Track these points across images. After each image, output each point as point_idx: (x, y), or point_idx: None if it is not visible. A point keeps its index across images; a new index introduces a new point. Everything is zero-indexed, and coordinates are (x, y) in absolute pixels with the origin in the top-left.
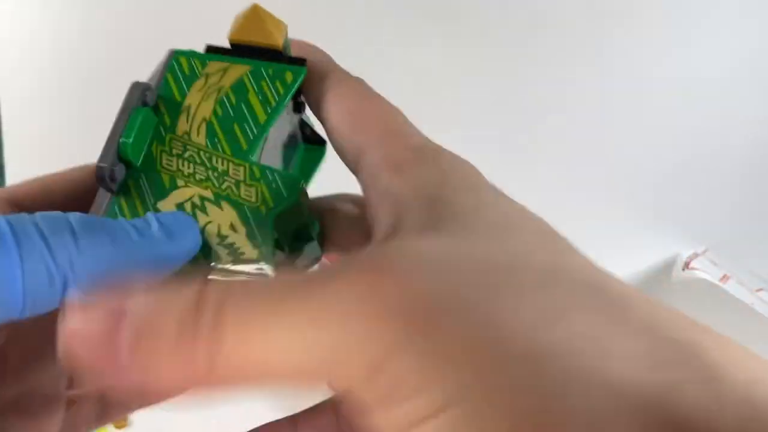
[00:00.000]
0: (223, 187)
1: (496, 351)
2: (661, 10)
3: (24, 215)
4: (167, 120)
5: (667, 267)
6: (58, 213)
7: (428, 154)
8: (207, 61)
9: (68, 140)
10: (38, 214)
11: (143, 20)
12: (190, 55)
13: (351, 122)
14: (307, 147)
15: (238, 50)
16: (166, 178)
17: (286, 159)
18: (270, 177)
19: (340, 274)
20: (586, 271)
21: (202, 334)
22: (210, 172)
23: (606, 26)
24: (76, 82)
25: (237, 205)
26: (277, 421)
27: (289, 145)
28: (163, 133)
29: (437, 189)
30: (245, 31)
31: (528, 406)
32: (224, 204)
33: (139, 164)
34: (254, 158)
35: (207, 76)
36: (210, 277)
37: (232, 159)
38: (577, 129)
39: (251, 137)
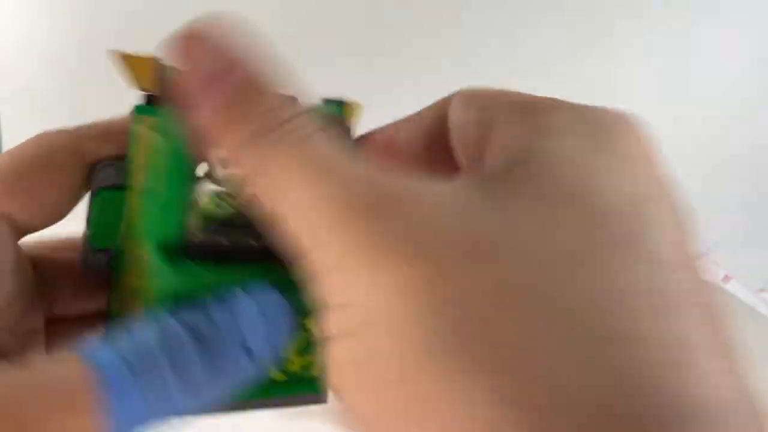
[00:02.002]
0: None
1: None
2: (664, 10)
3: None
4: None
5: None
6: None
7: (535, 109)
8: None
9: None
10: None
11: (142, 19)
12: None
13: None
14: None
15: None
16: None
17: None
18: None
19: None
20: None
21: (270, 139)
22: None
23: (609, 24)
24: (75, 81)
25: None
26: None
27: None
28: None
29: (527, 142)
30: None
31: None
32: None
33: None
34: None
35: None
36: None
37: None
38: None
39: None
